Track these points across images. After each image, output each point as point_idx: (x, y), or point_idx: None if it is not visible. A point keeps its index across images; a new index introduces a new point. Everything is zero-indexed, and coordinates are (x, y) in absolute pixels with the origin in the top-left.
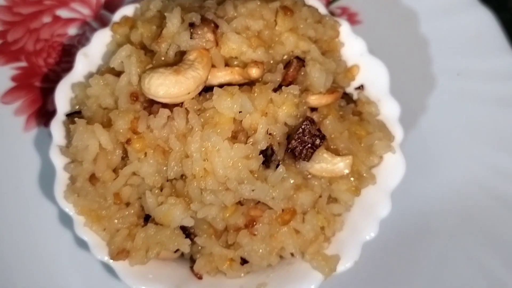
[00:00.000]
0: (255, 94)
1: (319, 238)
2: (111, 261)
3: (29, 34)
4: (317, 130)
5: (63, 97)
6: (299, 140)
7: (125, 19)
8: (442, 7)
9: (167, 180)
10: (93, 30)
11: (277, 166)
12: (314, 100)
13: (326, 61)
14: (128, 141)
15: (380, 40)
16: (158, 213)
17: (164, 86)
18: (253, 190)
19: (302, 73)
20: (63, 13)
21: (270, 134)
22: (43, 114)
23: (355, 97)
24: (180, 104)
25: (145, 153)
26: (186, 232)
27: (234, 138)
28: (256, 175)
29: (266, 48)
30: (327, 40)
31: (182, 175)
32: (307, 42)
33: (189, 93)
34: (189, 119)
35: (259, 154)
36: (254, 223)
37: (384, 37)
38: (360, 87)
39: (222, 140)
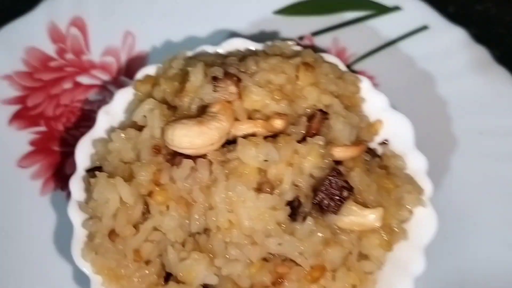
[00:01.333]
0: (280, 145)
1: None
2: None
3: (49, 100)
4: (344, 182)
5: (83, 153)
6: (326, 192)
7: (148, 77)
8: (458, 69)
9: (190, 235)
10: (113, 95)
11: (304, 218)
12: (339, 152)
13: (349, 115)
14: (150, 193)
15: (398, 101)
16: (180, 269)
17: (188, 137)
18: (280, 244)
19: (326, 126)
20: (83, 79)
21: (296, 185)
22: (61, 177)
23: (379, 152)
24: (204, 156)
25: (168, 206)
26: None
27: (259, 189)
28: (283, 227)
29: (288, 101)
30: (348, 96)
31: (205, 229)
32: (329, 96)
33: (212, 144)
34: (213, 170)
35: (286, 206)
36: (282, 280)
37: (402, 99)
38: (384, 142)
39: (247, 190)
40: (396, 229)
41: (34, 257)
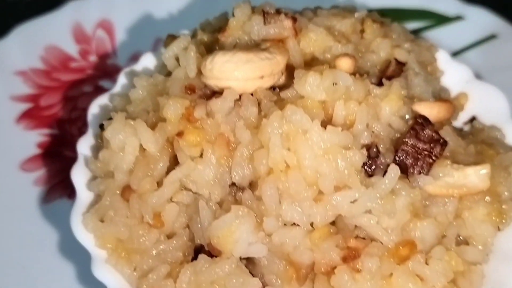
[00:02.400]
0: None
1: None
2: None
3: (65, 101)
4: (435, 133)
5: (97, 113)
6: (411, 146)
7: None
8: None
9: (230, 193)
10: None
11: (385, 174)
12: (423, 108)
13: (429, 77)
14: (180, 134)
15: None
16: (215, 230)
17: (232, 63)
18: (354, 202)
19: (402, 79)
20: (106, 83)
21: (373, 132)
22: (68, 186)
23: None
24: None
25: (202, 152)
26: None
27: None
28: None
29: (355, 50)
30: (424, 62)
31: (250, 183)
32: (403, 51)
33: (262, 78)
34: (262, 107)
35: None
36: (356, 255)
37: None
38: (473, 119)
39: (310, 120)
40: (504, 207)
41: (35, 269)
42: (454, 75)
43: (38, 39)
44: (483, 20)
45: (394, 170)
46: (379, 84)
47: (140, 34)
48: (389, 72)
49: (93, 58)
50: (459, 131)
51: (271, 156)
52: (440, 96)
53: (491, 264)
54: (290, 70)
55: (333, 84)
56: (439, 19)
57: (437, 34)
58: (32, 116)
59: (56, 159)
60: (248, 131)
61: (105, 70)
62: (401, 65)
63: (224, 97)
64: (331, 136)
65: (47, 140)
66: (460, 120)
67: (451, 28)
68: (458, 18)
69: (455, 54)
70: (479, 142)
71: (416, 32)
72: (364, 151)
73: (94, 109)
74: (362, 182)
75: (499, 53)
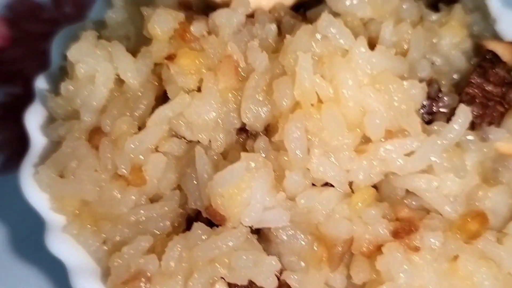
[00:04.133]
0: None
1: None
2: None
3: (33, 56)
4: (508, 74)
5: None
6: (478, 88)
7: None
8: None
9: (237, 141)
10: None
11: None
12: (494, 45)
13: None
14: (171, 57)
15: None
16: (217, 188)
17: None
18: (411, 154)
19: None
20: None
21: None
22: None
23: None
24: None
25: (200, 82)
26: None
27: None
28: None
29: None
30: (476, 6)
31: (267, 127)
32: None
33: None
34: (283, 29)
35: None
36: (413, 229)
37: None
38: None
39: (353, 38)
40: None
41: None
42: (508, 23)
43: None
44: None
45: (464, 113)
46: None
47: None
48: None
49: (68, 9)
50: None
51: (298, 85)
52: None
53: None
54: None
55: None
56: None
57: None
58: None
59: (18, 124)
60: (265, 53)
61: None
62: None
63: (233, 8)
64: (382, 59)
65: (9, 100)
66: None
67: None
68: None
69: None
70: None
71: None
72: (425, 86)
73: (59, 41)
74: (422, 129)
75: None
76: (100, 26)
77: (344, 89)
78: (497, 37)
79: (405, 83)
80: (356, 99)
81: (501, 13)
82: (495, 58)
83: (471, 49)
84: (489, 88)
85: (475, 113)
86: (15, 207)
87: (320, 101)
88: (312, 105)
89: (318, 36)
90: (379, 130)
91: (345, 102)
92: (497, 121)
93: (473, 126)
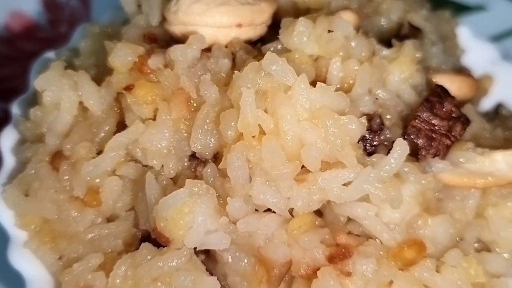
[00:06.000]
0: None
1: None
2: None
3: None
4: (455, 107)
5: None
6: (424, 121)
7: None
8: None
9: (188, 167)
10: None
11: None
12: (442, 80)
13: (448, 51)
14: (129, 88)
15: None
16: (162, 211)
17: (201, 4)
18: (346, 184)
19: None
20: None
21: (376, 99)
22: None
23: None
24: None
25: (156, 112)
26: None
27: None
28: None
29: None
30: (441, 37)
31: (215, 155)
32: (419, 17)
33: (240, 26)
34: (237, 62)
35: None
36: (347, 254)
37: None
38: (498, 106)
39: (295, 73)
40: None
41: None
42: (477, 55)
43: (3, 4)
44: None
45: (401, 146)
46: (389, 42)
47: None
48: (401, 33)
49: (64, 29)
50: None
51: (242, 117)
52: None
53: None
54: (277, 23)
55: (328, 32)
56: (458, 8)
57: None
58: None
59: None
60: (216, 87)
61: None
62: (415, 30)
63: (188, 44)
64: (321, 95)
65: (2, 116)
66: (482, 107)
67: (471, 19)
68: (479, 8)
69: None
70: (508, 128)
71: None
72: (364, 120)
73: (37, 67)
74: (360, 160)
75: None
76: (75, 54)
77: (283, 123)
78: (458, 69)
79: (343, 118)
80: (294, 132)
81: (471, 44)
82: (443, 92)
83: (423, 83)
84: (435, 121)
85: (420, 145)
86: None
87: (262, 132)
88: (253, 136)
89: (263, 73)
90: (315, 162)
91: (283, 135)
92: (443, 153)
93: (418, 158)
